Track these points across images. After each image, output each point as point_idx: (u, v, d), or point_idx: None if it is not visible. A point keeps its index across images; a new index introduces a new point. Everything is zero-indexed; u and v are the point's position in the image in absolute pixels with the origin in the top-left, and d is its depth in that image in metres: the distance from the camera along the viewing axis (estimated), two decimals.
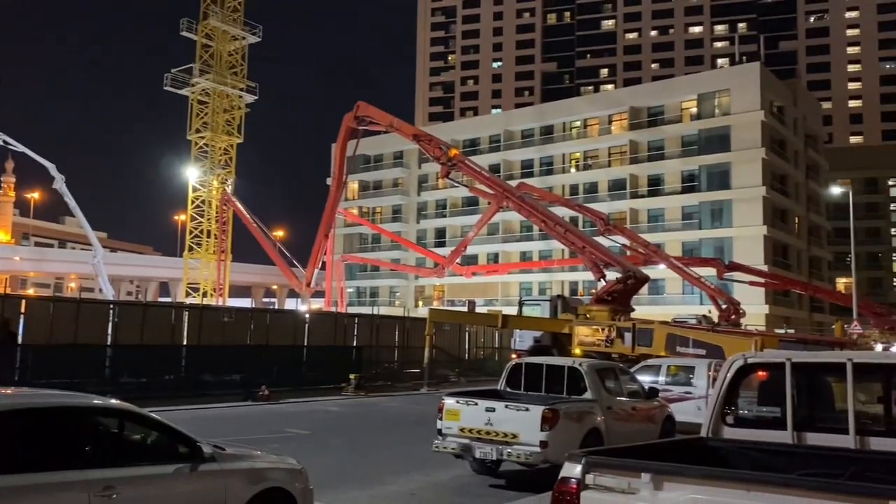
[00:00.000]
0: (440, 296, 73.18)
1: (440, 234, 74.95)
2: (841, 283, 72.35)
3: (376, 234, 73.90)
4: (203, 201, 54.47)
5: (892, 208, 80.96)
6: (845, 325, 33.51)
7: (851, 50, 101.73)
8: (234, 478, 5.79)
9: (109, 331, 21.17)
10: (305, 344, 26.29)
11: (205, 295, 53.29)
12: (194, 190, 54.53)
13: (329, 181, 55.70)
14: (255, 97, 57.31)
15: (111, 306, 22.48)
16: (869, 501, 3.11)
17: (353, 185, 79.64)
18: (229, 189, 53.95)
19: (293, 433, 14.89)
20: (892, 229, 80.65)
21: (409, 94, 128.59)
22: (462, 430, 10.16)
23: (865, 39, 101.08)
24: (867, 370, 5.12)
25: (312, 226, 43.11)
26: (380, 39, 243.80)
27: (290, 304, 74.46)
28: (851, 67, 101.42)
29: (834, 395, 5.36)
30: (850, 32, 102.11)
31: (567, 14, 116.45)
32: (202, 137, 54.35)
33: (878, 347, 27.46)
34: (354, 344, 28.27)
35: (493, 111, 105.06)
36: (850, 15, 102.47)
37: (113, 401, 5.96)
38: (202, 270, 54.33)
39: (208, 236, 54.29)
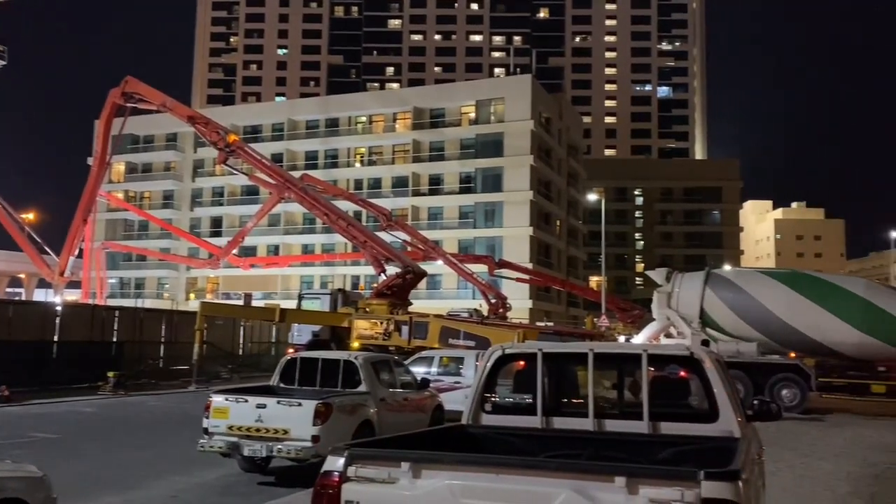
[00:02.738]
0: (214, 288, 69.89)
1: (216, 223, 71.57)
2: (593, 281, 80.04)
3: (144, 221, 68.80)
4: None
5: (637, 215, 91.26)
6: (595, 319, 37.20)
7: (609, 71, 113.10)
8: None
9: None
10: (56, 339, 23.75)
11: None
12: None
13: (91, 161, 50.91)
14: (4, 62, 50.78)
15: None
16: (599, 478, 3.47)
17: (119, 167, 73.48)
18: None
19: (39, 437, 13.43)
20: (637, 234, 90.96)
21: (187, 73, 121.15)
22: (230, 427, 9.80)
23: (621, 62, 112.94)
24: (606, 359, 5.71)
25: (70, 209, 38.91)
26: (156, 12, 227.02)
27: (39, 295, 67.01)
28: (608, 87, 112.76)
29: (578, 382, 5.90)
30: (608, 55, 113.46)
31: (354, 9, 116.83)
32: None
33: (621, 339, 30.72)
34: (115, 339, 26.06)
35: (277, 99, 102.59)
36: (608, 39, 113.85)
37: None
38: None
39: None
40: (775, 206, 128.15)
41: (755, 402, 6.10)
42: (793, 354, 20.40)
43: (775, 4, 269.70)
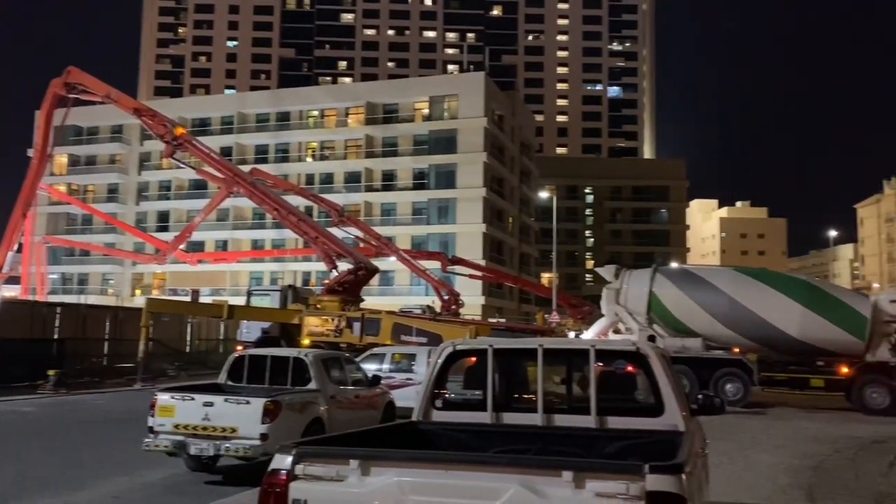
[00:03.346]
0: (161, 284, 68.41)
1: (163, 217, 70.02)
2: (545, 277, 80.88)
3: (88, 215, 66.83)
4: None
5: (587, 213, 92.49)
6: (546, 315, 37.57)
7: (561, 70, 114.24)
8: None
9: None
10: None
11: None
12: None
13: (31, 152, 49.24)
14: None
15: None
16: (546, 473, 3.50)
17: (62, 159, 71.30)
18: None
19: None
20: (587, 231, 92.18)
21: (133, 63, 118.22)
22: (177, 426, 9.61)
23: (572, 62, 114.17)
24: (555, 355, 5.77)
25: (9, 202, 37.40)
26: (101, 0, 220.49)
27: None
28: (560, 86, 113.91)
29: (528, 378, 5.95)
30: (560, 54, 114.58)
31: (307, 2, 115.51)
32: None
33: (571, 335, 31.01)
34: (56, 336, 25.27)
35: (227, 91, 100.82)
36: (560, 38, 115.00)
37: None
38: None
39: None
40: (720, 205, 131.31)
41: (699, 396, 6.23)
42: (736, 350, 20.93)
43: (722, 7, 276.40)
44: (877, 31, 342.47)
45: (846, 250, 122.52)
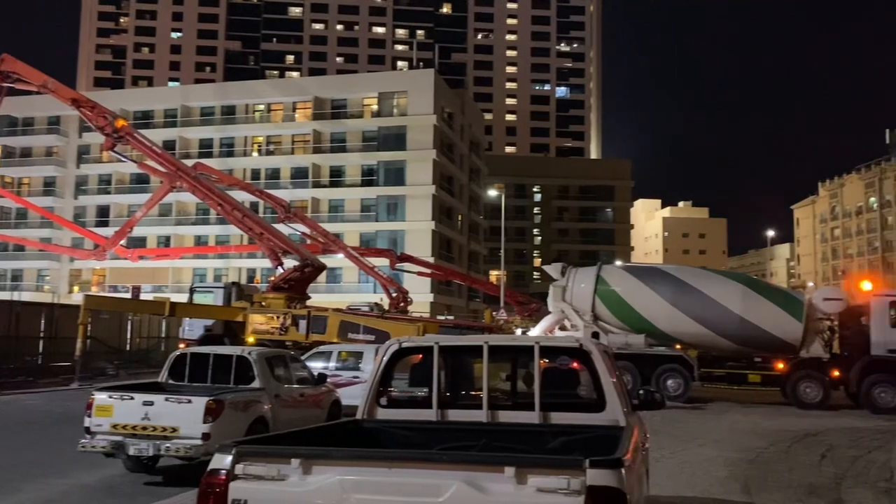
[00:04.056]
0: (100, 281, 66.48)
1: (103, 212, 68.04)
2: (493, 275, 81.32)
3: (22, 209, 64.54)
4: None
5: (535, 211, 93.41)
6: (494, 313, 37.80)
7: (510, 69, 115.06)
8: None
9: None
10: None
11: None
12: None
13: None
14: None
15: None
16: (489, 469, 3.53)
17: None
18: None
19: None
20: (535, 230, 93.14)
21: (72, 53, 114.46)
22: (115, 426, 9.36)
23: (521, 61, 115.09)
24: (500, 352, 5.81)
25: None
26: None
27: None
28: (509, 85, 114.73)
29: (474, 374, 5.98)
30: (509, 53, 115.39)
31: None
32: None
33: (519, 332, 31.29)
34: None
35: (171, 84, 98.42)
36: (510, 37, 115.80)
37: None
38: None
39: None
40: (663, 205, 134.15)
41: (641, 391, 6.36)
42: (678, 347, 21.44)
43: (667, 11, 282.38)
44: (818, 34, 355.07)
45: (783, 250, 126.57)
